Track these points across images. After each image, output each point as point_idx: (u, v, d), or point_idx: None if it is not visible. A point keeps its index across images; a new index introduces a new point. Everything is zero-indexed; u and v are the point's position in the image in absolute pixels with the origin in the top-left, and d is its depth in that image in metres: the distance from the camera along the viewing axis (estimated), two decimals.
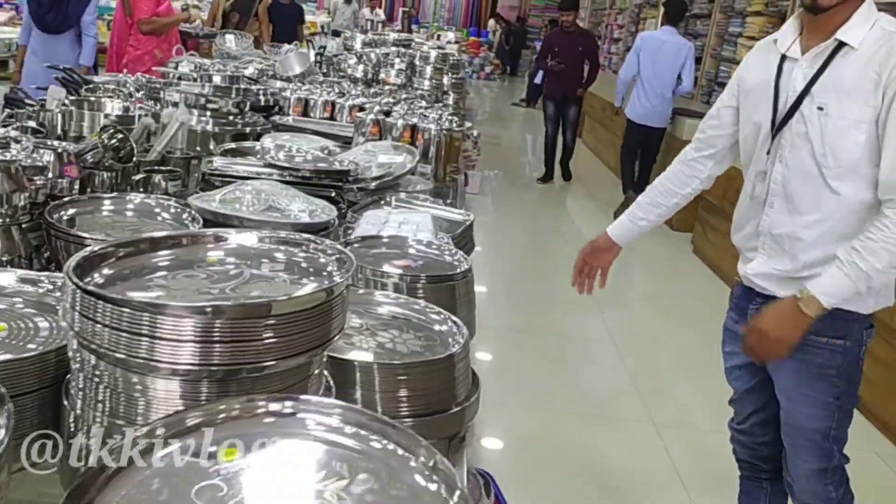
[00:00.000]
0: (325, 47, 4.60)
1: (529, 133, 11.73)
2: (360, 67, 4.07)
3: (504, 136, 12.18)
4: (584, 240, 6.62)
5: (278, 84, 3.64)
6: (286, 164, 2.12)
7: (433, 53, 4.02)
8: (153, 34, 4.76)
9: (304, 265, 0.98)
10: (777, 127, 1.86)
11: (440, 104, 3.85)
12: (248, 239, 0.99)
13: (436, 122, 2.81)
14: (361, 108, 3.13)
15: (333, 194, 2.13)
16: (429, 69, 3.96)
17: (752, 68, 2.00)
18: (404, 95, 3.64)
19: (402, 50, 4.25)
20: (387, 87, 3.87)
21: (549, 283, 5.33)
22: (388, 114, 2.96)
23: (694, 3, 9.84)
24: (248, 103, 2.92)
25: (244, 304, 0.82)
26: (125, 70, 3.66)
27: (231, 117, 2.79)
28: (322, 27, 11.82)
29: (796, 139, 1.81)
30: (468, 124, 7.75)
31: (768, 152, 1.89)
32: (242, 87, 2.87)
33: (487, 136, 11.02)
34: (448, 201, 2.78)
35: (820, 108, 1.76)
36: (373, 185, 2.38)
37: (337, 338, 0.94)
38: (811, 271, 1.83)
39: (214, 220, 1.70)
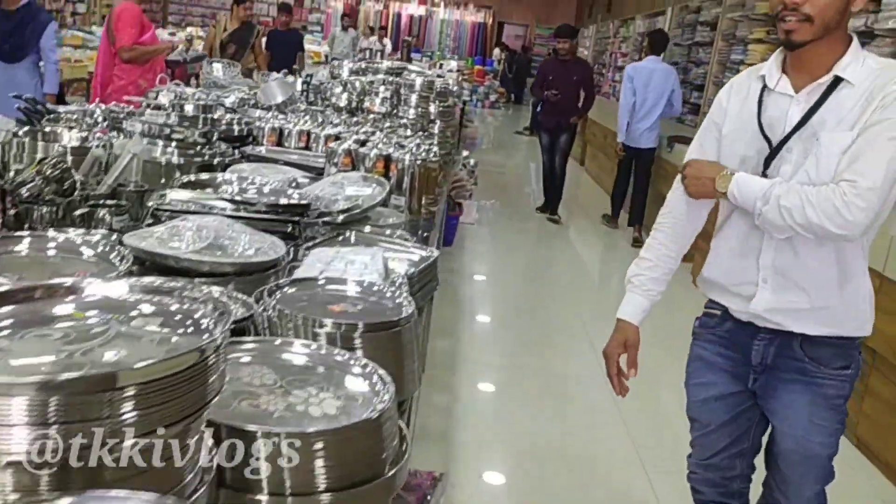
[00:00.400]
0: (311, 76, 4.50)
1: (532, 161, 11.60)
2: (344, 96, 3.97)
3: (507, 164, 12.09)
4: (584, 269, 6.44)
5: (257, 113, 3.54)
6: (240, 198, 2.00)
7: (418, 81, 3.91)
8: (135, 63, 4.67)
9: (179, 318, 0.84)
10: (769, 159, 1.87)
11: (424, 133, 3.74)
12: (117, 289, 0.86)
13: (411, 152, 2.69)
14: (337, 138, 3.02)
15: (290, 229, 2.01)
16: (414, 97, 3.84)
17: (735, 101, 1.99)
18: (387, 124, 3.53)
19: (389, 78, 4.15)
20: (371, 116, 3.76)
21: (547, 312, 5.20)
22: (364, 143, 2.85)
23: (696, 32, 9.79)
24: (217, 133, 2.82)
25: (82, 376, 0.69)
26: (96, 100, 3.55)
27: (198, 148, 2.68)
28: (325, 56, 11.82)
29: (794, 170, 1.83)
30: (465, 153, 7.67)
31: None
32: (211, 116, 2.76)
33: (490, 164, 10.94)
34: (424, 234, 2.66)
35: (816, 139, 1.79)
36: (340, 218, 2.27)
37: (215, 399, 0.80)
38: (825, 301, 1.87)
39: (149, 259, 1.58)
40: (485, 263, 6.07)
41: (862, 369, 2.02)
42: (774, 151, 1.86)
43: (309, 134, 3.08)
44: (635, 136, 7.09)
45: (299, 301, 1.35)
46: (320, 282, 1.43)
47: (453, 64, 12.85)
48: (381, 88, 3.93)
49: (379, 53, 9.36)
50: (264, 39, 7.55)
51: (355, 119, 3.62)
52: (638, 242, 7.11)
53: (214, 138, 2.74)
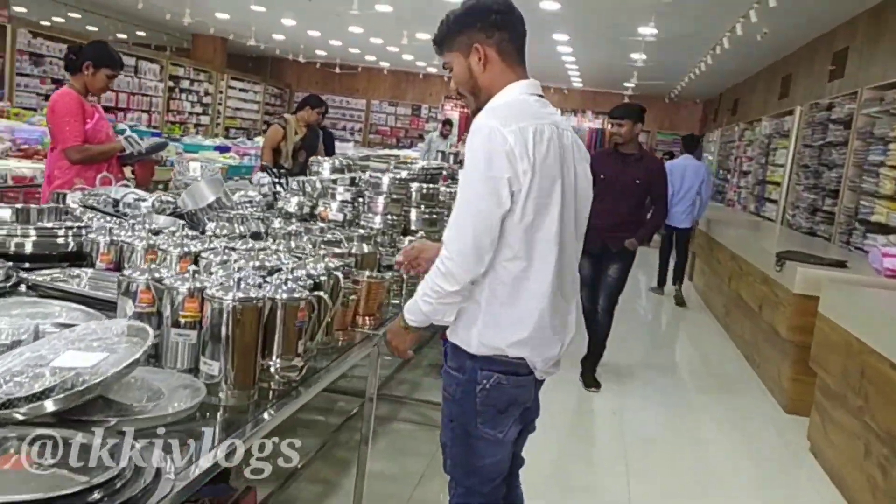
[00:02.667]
0: (286, 174, 3.58)
1: (642, 271, 10.17)
2: (295, 200, 3.00)
3: None
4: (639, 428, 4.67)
5: (160, 220, 2.61)
6: None
7: (386, 180, 2.89)
8: (85, 164, 3.80)
9: None
10: None
11: (390, 248, 2.69)
12: None
13: (231, 286, 1.63)
14: (197, 259, 2.01)
15: None
16: (381, 200, 2.82)
17: None
18: (327, 237, 2.52)
19: (357, 176, 3.16)
20: (320, 225, 2.77)
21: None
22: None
23: (828, 131, 8.42)
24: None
25: None
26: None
27: None
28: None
29: None
30: None
31: None
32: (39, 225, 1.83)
33: None
34: (255, 429, 1.56)
35: None
36: (51, 405, 1.27)
37: None
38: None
39: None
40: None
41: None
42: None
43: (157, 252, 2.08)
44: (672, 217, 8.34)
45: None
46: None
47: None
48: (341, 189, 2.94)
49: (452, 157, 8.48)
50: None
51: (294, 228, 2.62)
52: (680, 300, 8.64)
53: None
